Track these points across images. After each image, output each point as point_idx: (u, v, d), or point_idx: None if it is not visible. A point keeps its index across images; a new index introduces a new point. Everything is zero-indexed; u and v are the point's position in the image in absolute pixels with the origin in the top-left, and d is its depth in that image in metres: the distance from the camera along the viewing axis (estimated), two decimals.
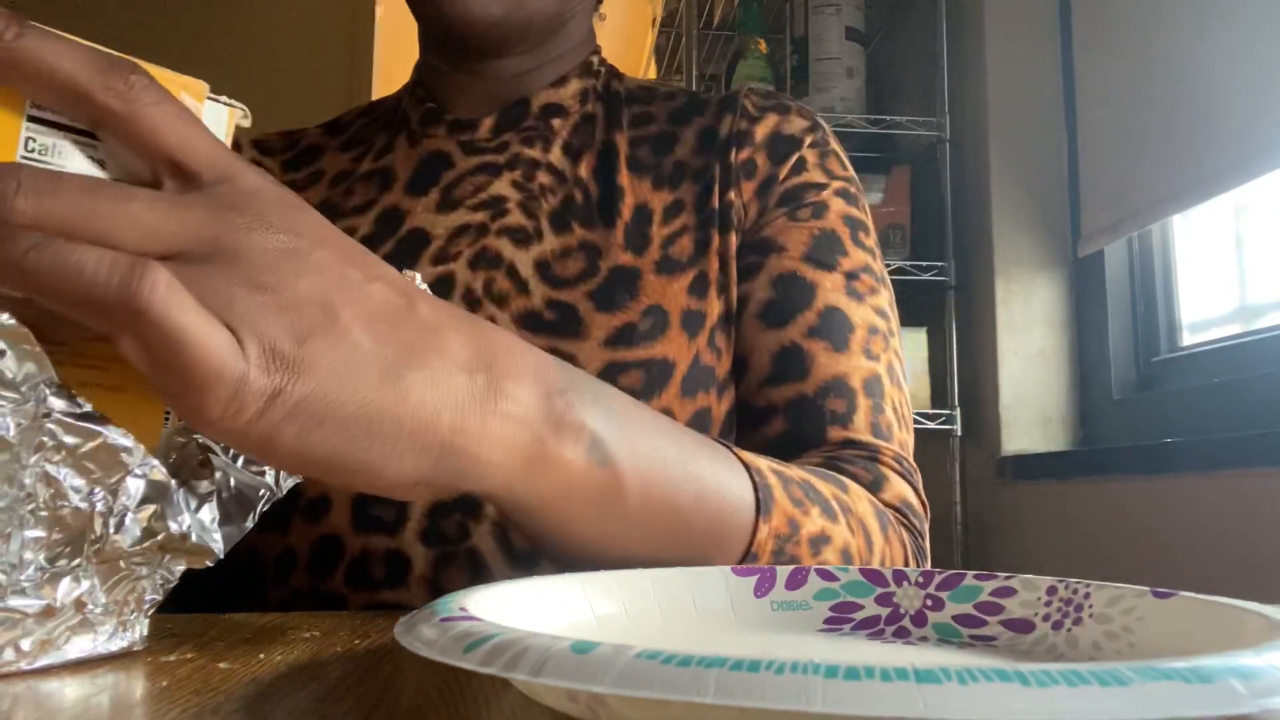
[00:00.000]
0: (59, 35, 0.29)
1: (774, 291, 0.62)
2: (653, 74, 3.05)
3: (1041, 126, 1.78)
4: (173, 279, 0.27)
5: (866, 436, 0.59)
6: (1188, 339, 1.57)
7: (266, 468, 0.35)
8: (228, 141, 0.33)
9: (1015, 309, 1.74)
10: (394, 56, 2.32)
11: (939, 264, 1.84)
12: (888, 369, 0.62)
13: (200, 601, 0.57)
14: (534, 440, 0.35)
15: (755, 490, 0.45)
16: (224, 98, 0.34)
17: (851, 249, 0.64)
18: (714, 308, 0.62)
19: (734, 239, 0.64)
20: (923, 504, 0.60)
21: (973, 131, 1.84)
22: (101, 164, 0.30)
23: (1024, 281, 1.75)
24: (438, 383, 0.33)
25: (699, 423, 0.59)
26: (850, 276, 0.63)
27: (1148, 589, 0.30)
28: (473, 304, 0.59)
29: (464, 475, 0.34)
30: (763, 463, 0.48)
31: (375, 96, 2.32)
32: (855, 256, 0.64)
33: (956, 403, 1.80)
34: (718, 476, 0.44)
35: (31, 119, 0.29)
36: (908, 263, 1.83)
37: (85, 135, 0.30)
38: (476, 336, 0.35)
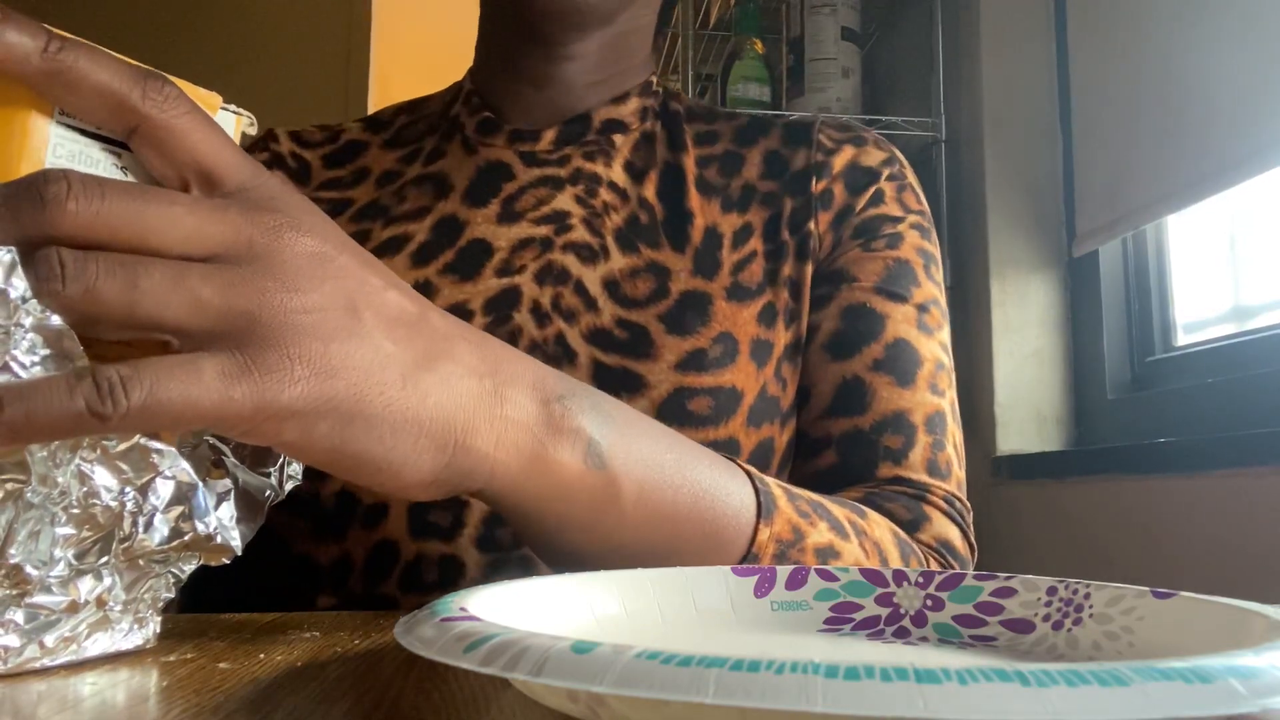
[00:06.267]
0: (95, 47, 0.30)
1: (842, 322, 0.62)
2: None
3: (1037, 127, 1.79)
4: (132, 374, 0.27)
5: (920, 475, 0.58)
6: (1182, 339, 1.58)
7: (271, 469, 0.36)
8: None
9: (1010, 309, 1.74)
10: (390, 62, 2.32)
11: None
12: (951, 406, 0.62)
13: (247, 606, 0.57)
14: (534, 443, 0.37)
15: (757, 496, 0.45)
16: (233, 106, 0.35)
17: (924, 281, 0.64)
18: (781, 337, 0.61)
19: (810, 268, 0.63)
20: (969, 545, 0.59)
21: (968, 132, 1.84)
22: (125, 170, 0.32)
23: (1019, 282, 1.75)
24: (451, 385, 0.34)
25: (762, 453, 0.59)
26: (921, 309, 0.62)
27: (1148, 589, 0.31)
28: (541, 318, 0.58)
29: (473, 475, 0.36)
30: (769, 477, 0.48)
31: (371, 102, 2.32)
32: (926, 289, 0.64)
33: None
34: (717, 481, 0.44)
35: (58, 125, 0.30)
36: None
37: (108, 142, 0.31)
38: (482, 345, 0.37)
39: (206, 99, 0.34)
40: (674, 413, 0.56)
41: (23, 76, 0.28)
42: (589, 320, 0.58)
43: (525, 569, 0.54)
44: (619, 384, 0.56)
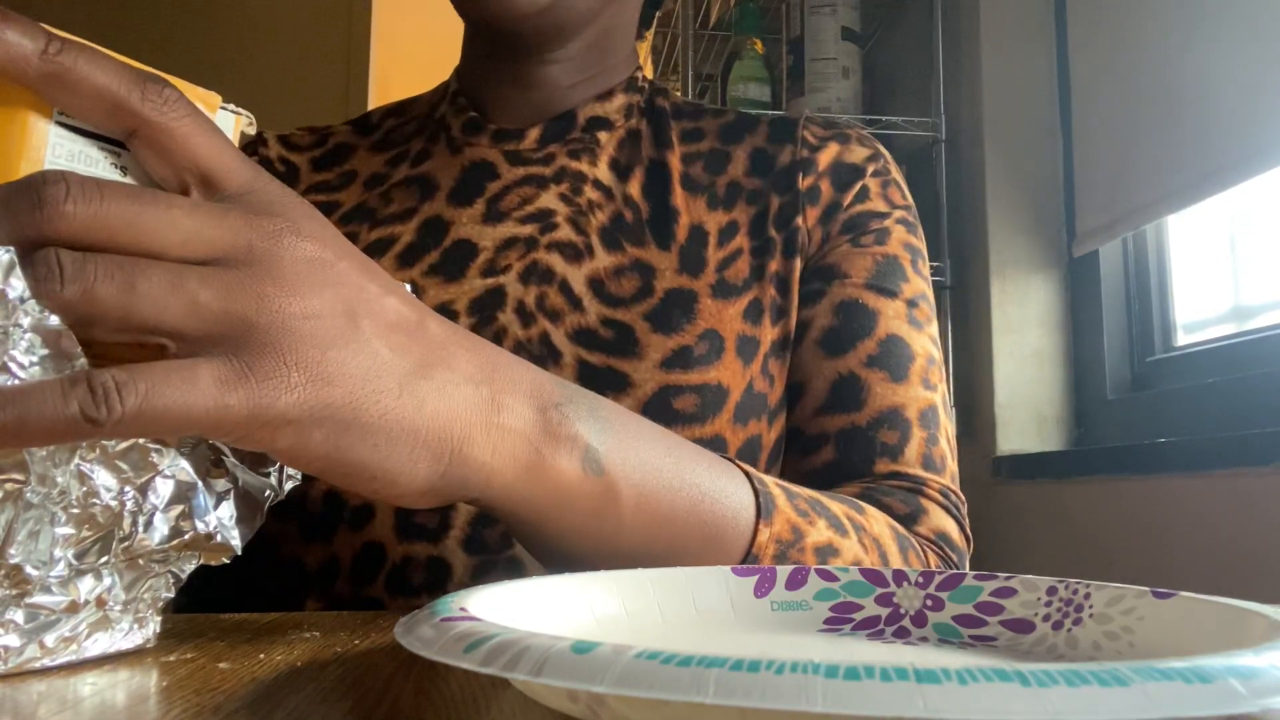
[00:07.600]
0: (96, 49, 0.30)
1: (835, 319, 0.62)
2: (648, 74, 3.04)
3: (1036, 127, 1.79)
4: (127, 379, 0.27)
5: (915, 469, 0.59)
6: (1182, 339, 1.58)
7: (271, 469, 0.36)
8: None
9: (1010, 309, 1.74)
10: (390, 64, 2.32)
11: (934, 264, 1.84)
12: (942, 399, 0.62)
13: (236, 608, 0.57)
14: (531, 451, 0.37)
15: (756, 497, 0.45)
16: (232, 106, 0.35)
17: (911, 275, 0.64)
18: (768, 334, 0.61)
19: (798, 264, 0.63)
20: (965, 537, 0.59)
21: (968, 132, 1.84)
22: (123, 170, 0.32)
23: (1019, 282, 1.75)
24: (448, 394, 0.34)
25: (749, 450, 0.59)
26: (911, 304, 0.63)
27: (1148, 589, 0.31)
28: (526, 318, 0.58)
29: (469, 483, 0.35)
30: (768, 477, 0.48)
31: (371, 102, 2.32)
32: (915, 284, 0.64)
33: (952, 403, 1.80)
34: (716, 484, 0.44)
35: (57, 125, 0.30)
36: None
37: (107, 142, 0.31)
38: (479, 353, 0.37)
39: (206, 98, 0.34)
40: (659, 411, 0.56)
41: (22, 78, 0.28)
42: (574, 320, 0.58)
43: (513, 571, 0.54)
44: (604, 383, 0.56)
